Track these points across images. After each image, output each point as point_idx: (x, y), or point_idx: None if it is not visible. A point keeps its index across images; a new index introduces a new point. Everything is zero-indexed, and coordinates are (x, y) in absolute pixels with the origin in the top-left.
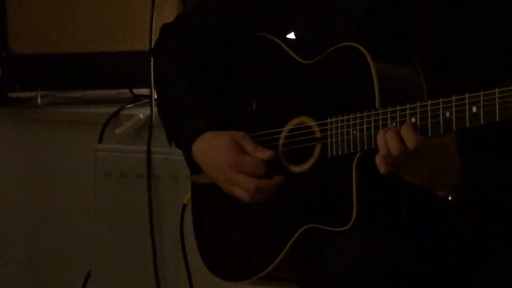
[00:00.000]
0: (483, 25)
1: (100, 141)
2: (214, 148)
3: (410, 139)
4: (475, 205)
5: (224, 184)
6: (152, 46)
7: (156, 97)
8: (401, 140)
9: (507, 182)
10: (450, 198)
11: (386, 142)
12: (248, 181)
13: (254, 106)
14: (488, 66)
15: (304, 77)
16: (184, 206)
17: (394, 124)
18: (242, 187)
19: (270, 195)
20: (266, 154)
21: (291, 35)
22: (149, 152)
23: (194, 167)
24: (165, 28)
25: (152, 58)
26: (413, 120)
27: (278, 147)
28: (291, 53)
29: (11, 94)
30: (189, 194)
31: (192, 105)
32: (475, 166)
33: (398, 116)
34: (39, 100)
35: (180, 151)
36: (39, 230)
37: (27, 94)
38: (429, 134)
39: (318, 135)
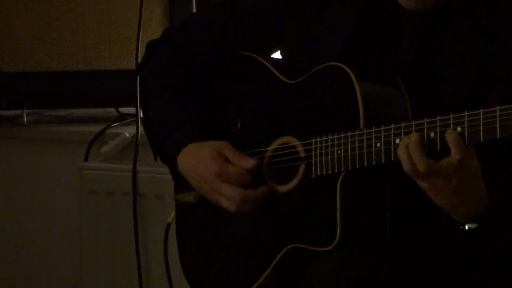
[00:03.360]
0: (467, 46)
1: (86, 159)
2: (198, 159)
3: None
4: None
5: (210, 194)
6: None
7: (141, 113)
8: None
9: None
10: (466, 227)
11: (411, 157)
12: (232, 191)
13: (238, 125)
14: (472, 86)
15: (289, 97)
16: (168, 225)
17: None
18: (227, 197)
19: (256, 205)
20: (249, 163)
21: (277, 54)
22: (134, 170)
23: (179, 181)
24: (151, 45)
25: (137, 75)
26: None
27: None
28: (276, 72)
29: None
30: (173, 213)
31: (177, 118)
32: (501, 197)
33: (382, 136)
34: (25, 118)
35: (166, 170)
36: (24, 248)
37: (13, 112)
38: None
39: (302, 155)
